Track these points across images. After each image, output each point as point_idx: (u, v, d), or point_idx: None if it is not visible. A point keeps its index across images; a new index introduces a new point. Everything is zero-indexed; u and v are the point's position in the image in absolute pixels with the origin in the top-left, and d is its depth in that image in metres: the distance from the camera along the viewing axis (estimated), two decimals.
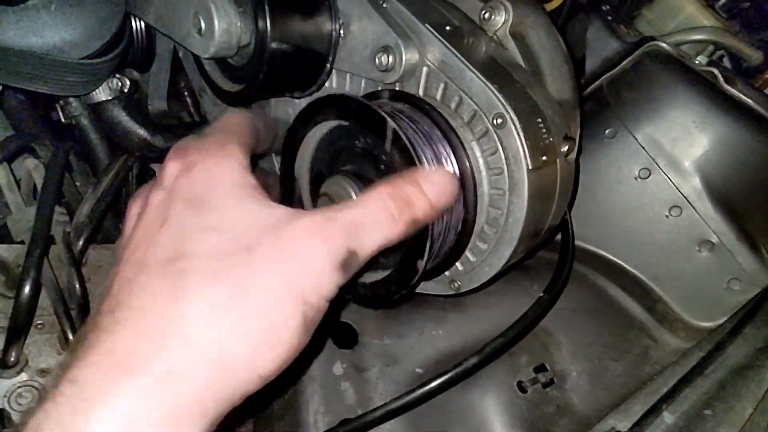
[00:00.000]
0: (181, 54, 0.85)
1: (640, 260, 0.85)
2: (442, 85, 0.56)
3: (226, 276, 0.38)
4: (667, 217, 0.81)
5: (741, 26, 0.95)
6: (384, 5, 0.58)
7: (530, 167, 0.53)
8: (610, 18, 0.94)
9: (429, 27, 0.56)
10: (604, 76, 0.89)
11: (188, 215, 0.41)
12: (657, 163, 0.81)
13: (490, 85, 0.53)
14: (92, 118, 0.83)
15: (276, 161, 0.77)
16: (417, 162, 0.50)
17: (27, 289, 0.59)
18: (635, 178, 0.83)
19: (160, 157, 0.95)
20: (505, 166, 0.54)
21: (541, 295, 0.67)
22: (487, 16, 0.60)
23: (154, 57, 0.88)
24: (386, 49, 0.57)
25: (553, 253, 0.76)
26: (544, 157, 0.54)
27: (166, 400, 0.35)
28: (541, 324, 0.77)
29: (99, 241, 0.77)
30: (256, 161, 0.57)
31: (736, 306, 0.77)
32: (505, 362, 0.76)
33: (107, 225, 0.81)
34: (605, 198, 0.85)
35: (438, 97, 0.57)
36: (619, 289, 0.87)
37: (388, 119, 0.50)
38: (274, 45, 0.58)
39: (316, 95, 0.66)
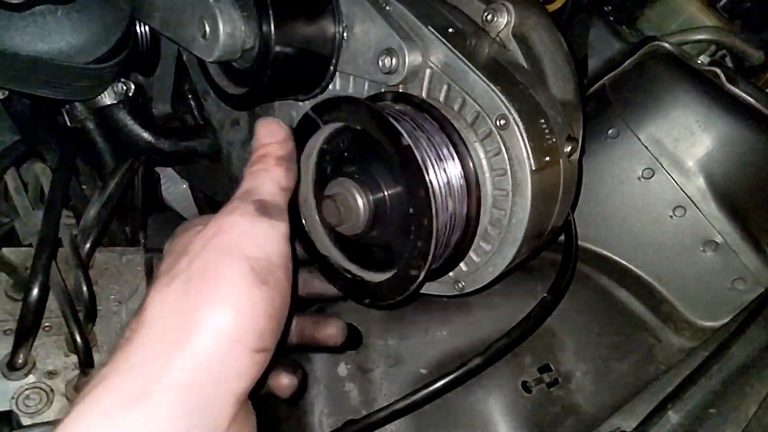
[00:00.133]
0: (185, 58, 0.85)
1: (644, 260, 0.85)
2: (445, 87, 0.56)
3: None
4: (670, 217, 0.81)
5: (742, 26, 0.95)
6: (387, 8, 0.59)
7: (533, 168, 0.53)
8: (612, 18, 0.95)
9: (432, 29, 0.56)
10: (607, 77, 0.89)
11: None
12: (660, 163, 0.81)
13: (493, 87, 0.53)
14: (98, 122, 0.84)
15: None
16: (421, 163, 0.50)
17: (35, 291, 0.59)
18: (638, 179, 0.83)
19: (165, 159, 0.96)
20: (508, 167, 0.54)
21: (545, 295, 0.67)
22: (489, 17, 0.60)
23: (159, 61, 0.88)
24: (389, 52, 0.57)
25: (556, 254, 0.76)
26: (547, 158, 0.54)
27: None
28: (546, 325, 0.77)
29: (105, 244, 0.78)
30: None
31: (740, 306, 0.77)
32: (510, 363, 0.76)
33: (113, 228, 0.82)
34: (608, 198, 0.85)
35: (441, 98, 0.57)
36: (623, 290, 0.87)
37: (392, 121, 0.51)
38: (277, 48, 0.59)
39: (319, 98, 0.67)
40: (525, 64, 0.60)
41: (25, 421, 0.57)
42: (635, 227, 0.84)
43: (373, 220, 0.57)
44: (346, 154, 0.59)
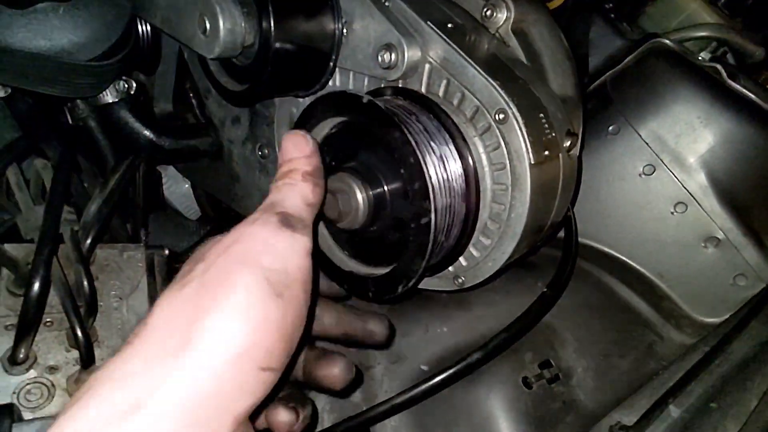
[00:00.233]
0: (186, 55, 0.86)
1: (646, 257, 0.84)
2: (444, 82, 0.57)
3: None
4: (672, 213, 0.81)
5: (743, 23, 0.95)
6: (386, 3, 0.59)
7: (532, 162, 0.53)
8: (612, 15, 0.95)
9: (431, 25, 0.57)
10: (608, 73, 0.89)
11: None
12: (661, 160, 0.81)
13: (492, 81, 0.53)
14: (99, 120, 0.84)
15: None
16: (420, 158, 0.50)
17: (36, 286, 0.59)
18: (639, 175, 0.83)
19: (166, 157, 0.96)
20: (507, 162, 0.54)
21: (545, 290, 0.67)
22: (488, 13, 0.60)
23: (160, 59, 0.89)
24: (389, 47, 0.57)
25: (557, 250, 0.76)
26: (547, 152, 0.55)
27: None
28: (546, 321, 0.77)
29: (106, 241, 0.78)
30: None
31: (742, 302, 0.77)
32: (510, 359, 0.76)
33: (115, 225, 0.82)
34: (609, 195, 0.85)
35: (440, 93, 0.57)
36: (624, 286, 0.87)
37: (392, 116, 0.51)
38: (277, 44, 0.59)
39: (319, 94, 0.67)
40: (524, 60, 0.60)
41: (27, 415, 0.57)
42: (636, 224, 0.84)
43: (373, 215, 0.57)
44: (345, 149, 0.59)
